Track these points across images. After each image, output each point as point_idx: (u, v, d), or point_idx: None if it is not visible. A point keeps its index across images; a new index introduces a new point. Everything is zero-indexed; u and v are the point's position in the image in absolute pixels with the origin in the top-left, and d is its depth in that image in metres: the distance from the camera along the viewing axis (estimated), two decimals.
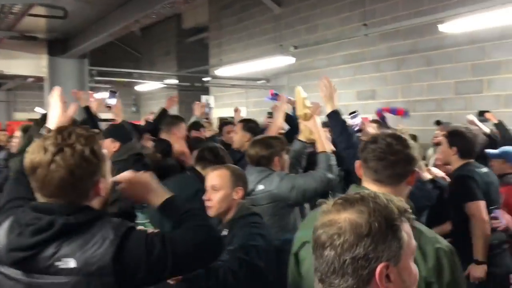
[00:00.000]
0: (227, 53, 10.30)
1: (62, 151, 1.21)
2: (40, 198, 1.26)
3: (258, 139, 2.73)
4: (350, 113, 4.17)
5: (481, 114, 5.32)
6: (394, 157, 1.42)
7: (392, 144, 1.44)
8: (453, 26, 4.75)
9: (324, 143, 2.76)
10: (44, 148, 1.21)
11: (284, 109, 3.62)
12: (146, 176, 1.50)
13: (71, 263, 1.18)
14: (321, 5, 8.01)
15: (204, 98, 10.39)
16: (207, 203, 1.98)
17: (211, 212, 1.96)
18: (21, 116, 14.12)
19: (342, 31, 7.48)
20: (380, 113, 5.78)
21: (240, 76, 9.13)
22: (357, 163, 1.54)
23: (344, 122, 2.60)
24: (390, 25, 6.18)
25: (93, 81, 9.07)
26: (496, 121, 5.04)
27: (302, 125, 3.01)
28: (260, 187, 2.55)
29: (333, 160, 2.71)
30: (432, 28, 6.06)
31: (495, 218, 2.65)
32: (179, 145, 3.71)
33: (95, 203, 1.30)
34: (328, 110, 2.57)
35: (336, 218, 0.88)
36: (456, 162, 2.91)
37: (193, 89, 10.68)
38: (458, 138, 2.88)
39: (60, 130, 1.27)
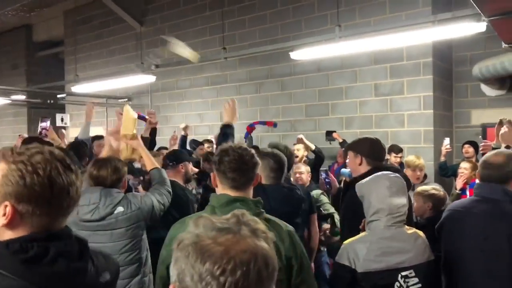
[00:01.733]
0: (85, 70, 9.73)
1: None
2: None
3: (103, 161, 2.61)
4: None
5: (328, 134, 5.97)
6: (246, 166, 1.66)
7: (242, 155, 1.66)
8: (302, 54, 5.25)
9: (151, 159, 2.90)
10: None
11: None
12: None
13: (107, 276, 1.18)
14: (184, 27, 8.14)
15: (59, 116, 9.59)
16: None
17: None
18: None
19: (203, 54, 7.67)
20: (252, 127, 6.08)
21: (99, 93, 8.69)
22: (212, 175, 1.72)
23: (230, 137, 2.71)
24: (247, 50, 6.55)
25: None
26: (341, 140, 5.73)
27: (123, 144, 3.01)
28: (120, 209, 2.49)
29: (165, 174, 2.88)
30: (285, 56, 6.61)
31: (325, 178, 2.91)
32: None
33: None
34: (224, 121, 2.74)
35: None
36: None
37: (46, 106, 9.79)
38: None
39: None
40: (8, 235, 1.03)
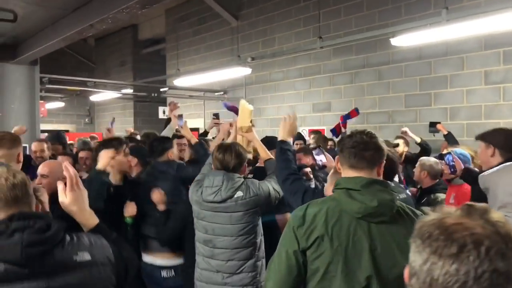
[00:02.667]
0: (184, 65, 10.26)
1: None
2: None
3: (228, 146, 2.73)
4: (313, 148, 4.23)
5: (432, 125, 5.59)
6: (367, 147, 1.64)
7: (363, 138, 1.66)
8: (404, 40, 4.98)
9: (266, 151, 2.94)
10: None
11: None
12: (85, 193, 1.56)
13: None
14: (278, 19, 8.19)
15: (161, 109, 10.26)
16: None
17: None
18: None
19: (297, 45, 7.66)
20: (344, 125, 5.80)
21: (197, 87, 9.11)
22: (337, 158, 1.76)
23: (289, 153, 2.52)
24: (343, 38, 6.38)
25: (44, 89, 8.76)
26: (445, 132, 5.35)
27: (239, 136, 3.09)
28: (239, 193, 2.59)
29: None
30: (382, 44, 6.35)
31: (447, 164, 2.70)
32: None
33: None
34: (279, 138, 2.58)
35: None
36: None
37: (149, 99, 10.53)
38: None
39: None
40: None
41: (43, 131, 10.09)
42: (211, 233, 2.60)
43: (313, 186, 3.23)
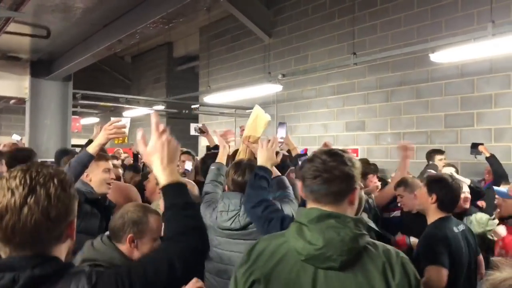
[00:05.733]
0: (216, 82, 10.24)
1: (34, 191, 1.07)
2: (5, 251, 1.10)
3: (243, 165, 2.47)
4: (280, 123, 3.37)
5: (474, 147, 5.20)
6: (328, 174, 1.35)
7: (326, 161, 1.37)
8: (443, 56, 4.68)
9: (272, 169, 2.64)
10: (10, 190, 1.06)
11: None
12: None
13: None
14: (311, 36, 8.02)
15: (193, 125, 10.24)
16: None
17: None
18: (5, 140, 13.79)
19: (331, 62, 7.45)
20: None
21: (229, 104, 9.03)
22: (299, 184, 1.47)
23: (264, 182, 2.21)
24: (379, 54, 6.12)
25: (79, 105, 8.92)
26: (488, 155, 4.95)
27: (243, 146, 2.79)
28: None
29: (287, 181, 2.58)
30: (420, 61, 6.05)
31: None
32: None
33: (65, 247, 1.17)
34: (258, 163, 2.29)
35: None
36: (434, 214, 2.50)
37: (181, 116, 10.54)
38: (439, 186, 2.47)
39: (26, 168, 1.09)
40: None
41: (77, 146, 10.28)
42: (227, 263, 2.34)
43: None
